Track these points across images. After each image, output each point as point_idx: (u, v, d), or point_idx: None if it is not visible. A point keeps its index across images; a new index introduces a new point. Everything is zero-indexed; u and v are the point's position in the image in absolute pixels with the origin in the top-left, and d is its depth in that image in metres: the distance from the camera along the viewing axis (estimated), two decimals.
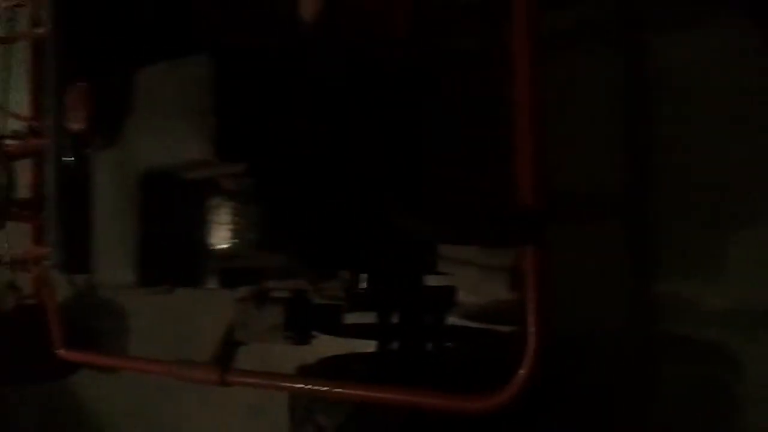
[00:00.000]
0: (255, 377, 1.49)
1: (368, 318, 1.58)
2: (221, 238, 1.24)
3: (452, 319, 1.83)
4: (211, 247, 1.26)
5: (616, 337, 1.61)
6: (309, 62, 1.28)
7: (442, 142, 1.39)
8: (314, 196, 1.26)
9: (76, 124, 1.28)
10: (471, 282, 1.80)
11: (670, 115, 1.54)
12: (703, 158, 1.52)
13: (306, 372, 1.55)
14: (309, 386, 1.41)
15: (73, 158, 1.40)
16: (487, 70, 1.41)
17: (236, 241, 1.20)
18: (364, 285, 1.37)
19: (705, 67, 1.51)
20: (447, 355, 1.60)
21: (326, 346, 1.68)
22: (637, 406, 1.57)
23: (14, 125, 2.83)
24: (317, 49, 1.33)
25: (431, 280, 1.60)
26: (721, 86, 1.49)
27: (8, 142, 2.55)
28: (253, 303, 1.43)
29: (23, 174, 2.59)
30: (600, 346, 1.62)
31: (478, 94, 1.42)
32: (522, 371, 1.17)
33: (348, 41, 1.33)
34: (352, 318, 1.56)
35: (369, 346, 1.60)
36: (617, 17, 1.64)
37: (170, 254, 1.34)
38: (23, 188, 2.62)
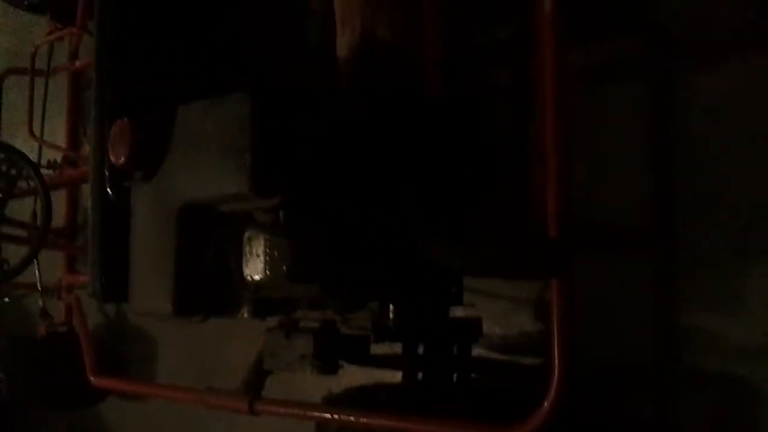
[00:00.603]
0: (283, 406, 1.52)
1: (395, 349, 1.60)
2: (254, 270, 1.28)
3: (479, 351, 1.86)
4: (245, 278, 1.30)
5: (642, 369, 1.62)
6: (341, 103, 1.33)
7: (472, 175, 1.43)
8: (345, 229, 1.31)
9: (118, 158, 1.34)
10: (498, 314, 1.82)
11: (699, 142, 1.55)
12: (732, 185, 1.53)
13: (332, 401, 1.58)
14: (336, 415, 1.44)
15: (113, 190, 1.45)
16: (516, 103, 1.45)
17: (268, 272, 1.24)
18: (391, 316, 1.39)
19: (733, 88, 1.52)
20: (472, 386, 1.62)
21: (351, 376, 1.71)
22: None
23: (49, 154, 2.93)
24: (350, 91, 1.38)
25: (459, 312, 1.63)
26: (750, 108, 1.51)
27: (45, 171, 2.63)
28: (282, 332, 1.47)
29: (57, 203, 2.65)
30: (627, 379, 1.63)
31: (508, 130, 1.46)
32: (546, 403, 1.19)
33: (377, 82, 1.38)
34: (379, 348, 1.59)
35: (395, 376, 1.63)
36: (644, 48, 1.67)
37: (205, 284, 1.39)
38: (57, 217, 2.68)
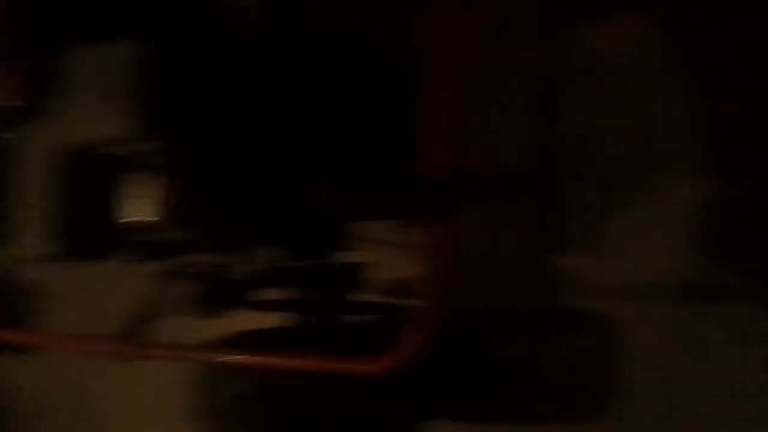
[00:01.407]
0: (159, 349, 1.50)
1: (281, 293, 1.63)
2: (139, 212, 1.28)
3: (368, 295, 1.90)
4: (130, 221, 1.30)
5: (519, 311, 1.70)
6: (227, 41, 1.33)
7: (355, 116, 1.44)
8: (229, 172, 1.32)
9: (6, 101, 1.31)
10: (387, 258, 1.87)
11: (581, 97, 1.62)
12: (609, 136, 1.61)
13: (212, 345, 1.59)
14: (214, 356, 1.46)
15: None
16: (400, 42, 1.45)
17: (149, 214, 1.25)
18: (278, 260, 1.42)
19: (614, 50, 1.59)
20: (352, 328, 1.67)
21: (239, 321, 1.73)
22: (534, 374, 1.67)
23: None
24: (238, 30, 1.38)
25: (348, 257, 1.67)
26: (628, 68, 1.58)
27: None
28: (166, 277, 1.48)
29: None
30: (505, 320, 1.71)
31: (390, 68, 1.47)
32: (410, 337, 1.24)
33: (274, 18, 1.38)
34: (264, 293, 1.62)
35: (281, 320, 1.66)
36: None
37: (89, 228, 1.37)
38: None
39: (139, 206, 1.29)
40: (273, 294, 1.62)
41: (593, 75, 1.61)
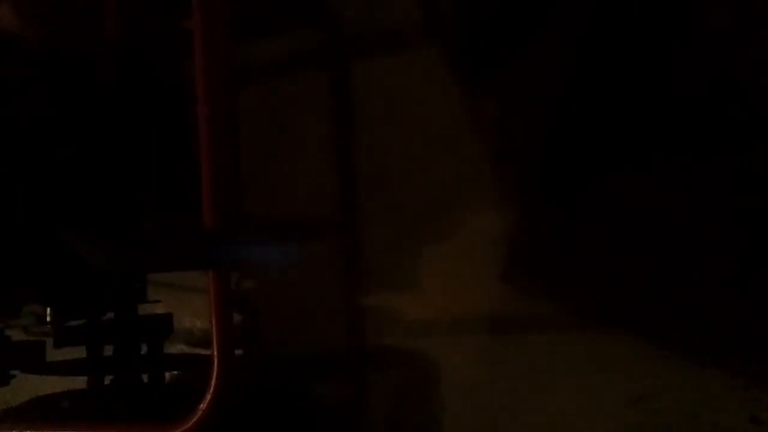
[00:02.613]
0: None
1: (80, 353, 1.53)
2: None
3: (180, 347, 1.82)
4: None
5: (332, 354, 1.68)
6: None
7: (141, 162, 1.37)
8: None
9: None
10: (200, 307, 1.80)
11: (378, 135, 1.62)
12: (409, 174, 1.62)
13: (8, 415, 1.47)
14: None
15: None
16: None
17: None
18: (48, 319, 1.32)
19: (408, 86, 1.61)
20: (161, 385, 1.59)
21: (36, 386, 1.61)
22: (348, 415, 1.65)
23: None
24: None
25: (146, 309, 1.59)
26: (423, 105, 1.60)
27: None
28: None
29: None
30: (318, 364, 1.68)
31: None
32: (208, 395, 1.19)
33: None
34: (61, 354, 1.51)
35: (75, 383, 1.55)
36: (324, 45, 1.72)
37: None
38: None
39: None
40: (67, 354, 1.52)
41: (387, 112, 1.62)
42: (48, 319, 1.30)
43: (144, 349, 1.56)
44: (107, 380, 1.54)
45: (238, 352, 1.34)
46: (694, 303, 1.49)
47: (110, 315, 1.52)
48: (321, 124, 1.67)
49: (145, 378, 1.57)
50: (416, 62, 1.59)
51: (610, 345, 1.55)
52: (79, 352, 1.53)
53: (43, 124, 1.19)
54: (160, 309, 1.68)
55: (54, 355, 1.53)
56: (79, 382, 1.57)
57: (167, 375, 1.62)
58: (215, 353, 1.18)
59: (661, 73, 1.49)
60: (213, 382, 1.18)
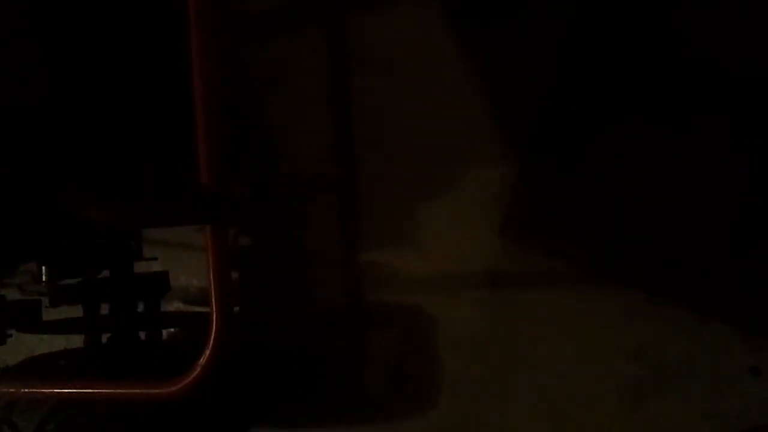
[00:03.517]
0: None
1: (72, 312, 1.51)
2: None
3: (177, 305, 1.81)
4: None
5: (333, 309, 1.67)
6: None
7: (134, 123, 1.34)
8: None
9: None
10: (196, 266, 1.78)
11: (376, 88, 1.59)
12: (406, 128, 1.60)
13: (5, 375, 1.46)
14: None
15: None
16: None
17: None
18: (44, 278, 1.30)
19: (406, 39, 1.58)
20: (158, 343, 1.58)
21: (33, 346, 1.60)
22: (350, 370, 1.65)
23: None
24: None
25: (143, 266, 1.57)
26: (420, 58, 1.57)
27: None
28: None
29: None
30: (320, 319, 1.68)
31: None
32: (207, 352, 1.18)
33: None
34: (57, 313, 1.49)
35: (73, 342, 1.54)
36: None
37: None
38: None
39: None
40: (63, 313, 1.51)
41: (386, 67, 1.59)
42: (43, 278, 1.28)
43: (141, 307, 1.55)
44: (104, 338, 1.53)
45: (235, 309, 1.33)
46: (693, 256, 1.49)
47: (106, 273, 1.51)
48: (319, 78, 1.64)
49: (142, 336, 1.56)
50: (416, 15, 1.55)
51: (609, 298, 1.55)
52: (75, 312, 1.52)
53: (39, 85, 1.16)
54: (156, 267, 1.66)
55: (50, 314, 1.52)
56: (76, 341, 1.57)
57: (164, 333, 1.62)
58: (214, 309, 1.17)
59: (663, 30, 1.46)
60: (212, 339, 1.17)
